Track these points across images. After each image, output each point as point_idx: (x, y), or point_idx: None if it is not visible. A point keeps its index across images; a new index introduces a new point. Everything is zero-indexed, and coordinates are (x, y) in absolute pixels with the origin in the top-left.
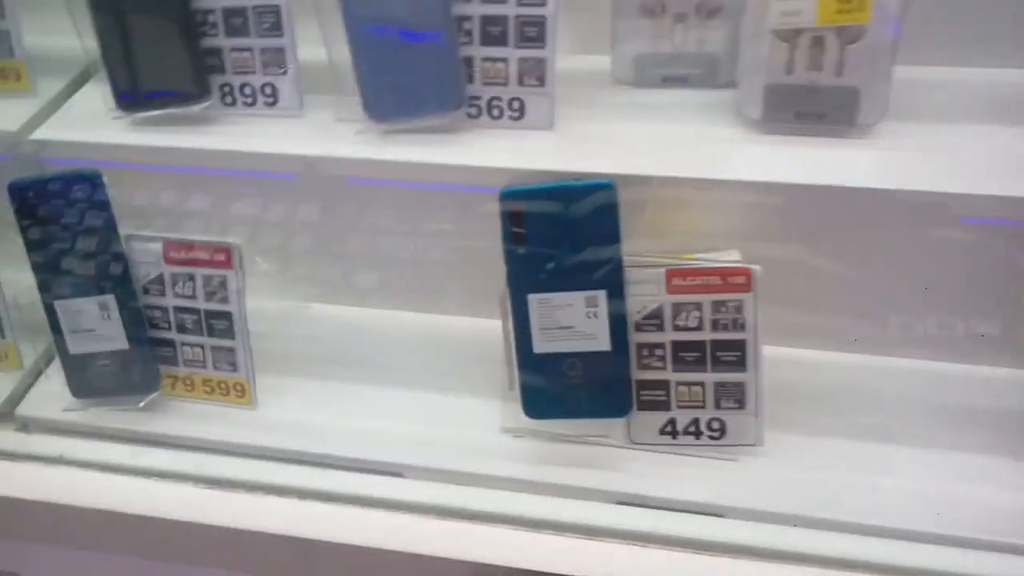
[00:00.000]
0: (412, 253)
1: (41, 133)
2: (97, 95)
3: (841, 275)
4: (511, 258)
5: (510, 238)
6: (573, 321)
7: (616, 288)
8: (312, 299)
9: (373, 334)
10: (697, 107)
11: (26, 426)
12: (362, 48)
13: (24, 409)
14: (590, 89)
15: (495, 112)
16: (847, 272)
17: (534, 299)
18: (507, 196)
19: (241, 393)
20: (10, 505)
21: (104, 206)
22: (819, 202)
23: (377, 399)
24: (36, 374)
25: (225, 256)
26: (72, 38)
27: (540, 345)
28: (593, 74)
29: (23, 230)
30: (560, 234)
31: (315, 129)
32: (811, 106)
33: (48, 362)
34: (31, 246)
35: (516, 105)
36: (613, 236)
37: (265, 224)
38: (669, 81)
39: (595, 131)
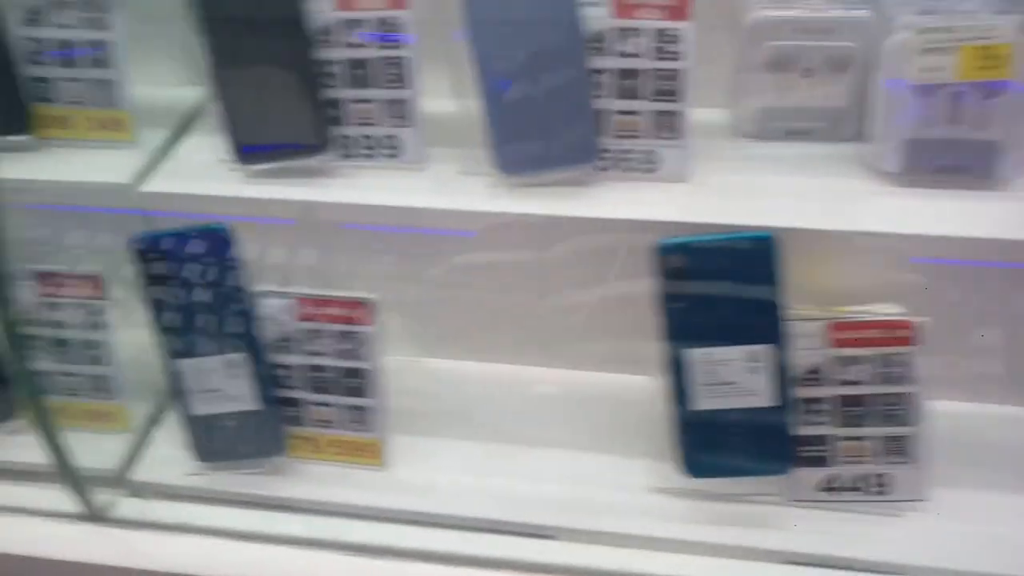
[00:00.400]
0: (545, 308)
1: (152, 186)
2: (203, 146)
3: (993, 325)
4: (669, 312)
5: (668, 292)
6: (735, 376)
7: (778, 342)
8: (434, 355)
9: (504, 390)
10: (825, 160)
11: (142, 491)
12: (494, 100)
13: (140, 474)
14: (714, 142)
15: (625, 165)
16: (1000, 323)
17: (694, 354)
18: (665, 249)
19: (373, 454)
20: None
21: (232, 261)
22: (960, 253)
23: (516, 458)
24: (143, 436)
25: (362, 312)
26: (165, 88)
27: (700, 402)
28: (712, 127)
29: (145, 286)
30: (720, 287)
31: (439, 182)
32: (950, 159)
33: (153, 424)
34: (154, 303)
35: (650, 158)
36: (774, 288)
37: (388, 278)
38: (792, 135)
39: (730, 183)
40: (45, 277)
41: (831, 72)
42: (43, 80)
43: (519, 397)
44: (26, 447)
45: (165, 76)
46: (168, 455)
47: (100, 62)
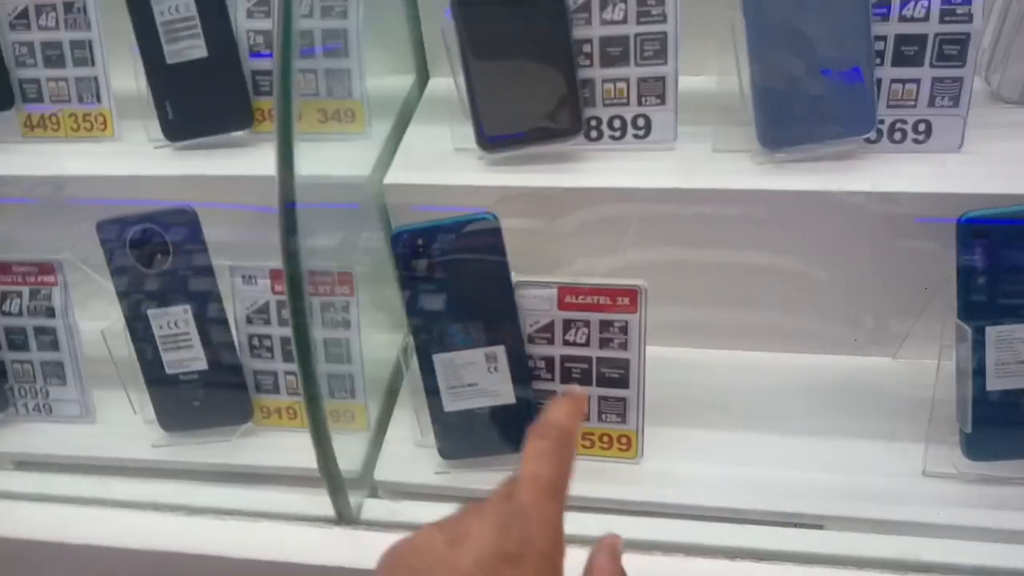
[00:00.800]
0: (796, 289)
1: (393, 176)
2: (430, 136)
3: None
4: (967, 289)
5: (967, 268)
6: None
7: None
8: (676, 343)
9: (749, 377)
10: None
11: (390, 492)
12: (768, 77)
13: (385, 474)
14: (974, 109)
15: (897, 136)
16: None
17: (992, 332)
18: (967, 224)
19: (627, 446)
20: None
21: (497, 250)
22: None
23: (769, 446)
24: (381, 436)
25: (630, 299)
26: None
27: (994, 382)
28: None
29: (406, 281)
30: None
31: (695, 162)
32: None
33: (385, 423)
34: (413, 297)
35: (922, 127)
36: None
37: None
38: None
39: (1009, 152)
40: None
41: None
42: (268, 73)
43: (768, 384)
44: (260, 449)
45: (375, 66)
46: (407, 453)
47: (336, 53)
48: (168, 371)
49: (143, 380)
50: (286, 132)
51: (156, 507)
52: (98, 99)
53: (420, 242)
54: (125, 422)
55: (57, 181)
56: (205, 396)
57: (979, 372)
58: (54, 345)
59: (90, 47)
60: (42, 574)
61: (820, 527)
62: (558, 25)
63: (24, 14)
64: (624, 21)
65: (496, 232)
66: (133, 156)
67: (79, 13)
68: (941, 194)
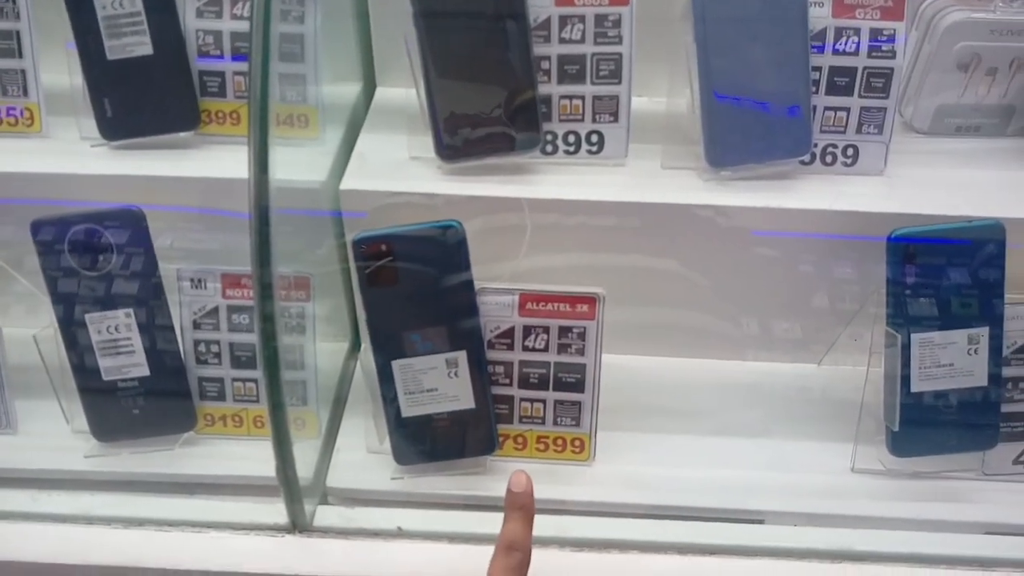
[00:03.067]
0: (734, 300)
1: (349, 183)
2: (384, 144)
3: None
4: (895, 299)
5: (897, 279)
6: (953, 359)
7: (997, 324)
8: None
9: (693, 383)
10: (1004, 154)
11: (341, 499)
12: (716, 108)
13: (338, 481)
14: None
15: (828, 159)
16: None
17: (917, 339)
18: (897, 239)
19: (579, 449)
20: None
21: (462, 258)
22: None
23: (712, 448)
24: (331, 443)
25: (588, 306)
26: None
27: (918, 384)
28: None
29: (365, 286)
30: (949, 273)
31: (643, 177)
32: None
33: (336, 429)
34: (372, 303)
35: (850, 152)
36: (998, 274)
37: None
38: (962, 130)
39: (925, 176)
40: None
41: (1012, 71)
42: (217, 74)
43: (710, 389)
44: (204, 458)
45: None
46: (359, 460)
47: (292, 57)
48: (105, 378)
49: (75, 388)
50: (262, 136)
51: (90, 520)
52: (25, 93)
53: (383, 248)
54: (51, 433)
55: None
56: (145, 404)
57: (905, 375)
58: None
59: (18, 37)
60: None
61: (761, 522)
62: (519, 41)
63: None
64: (582, 41)
65: (461, 240)
66: (64, 154)
67: (7, 2)
68: (870, 213)
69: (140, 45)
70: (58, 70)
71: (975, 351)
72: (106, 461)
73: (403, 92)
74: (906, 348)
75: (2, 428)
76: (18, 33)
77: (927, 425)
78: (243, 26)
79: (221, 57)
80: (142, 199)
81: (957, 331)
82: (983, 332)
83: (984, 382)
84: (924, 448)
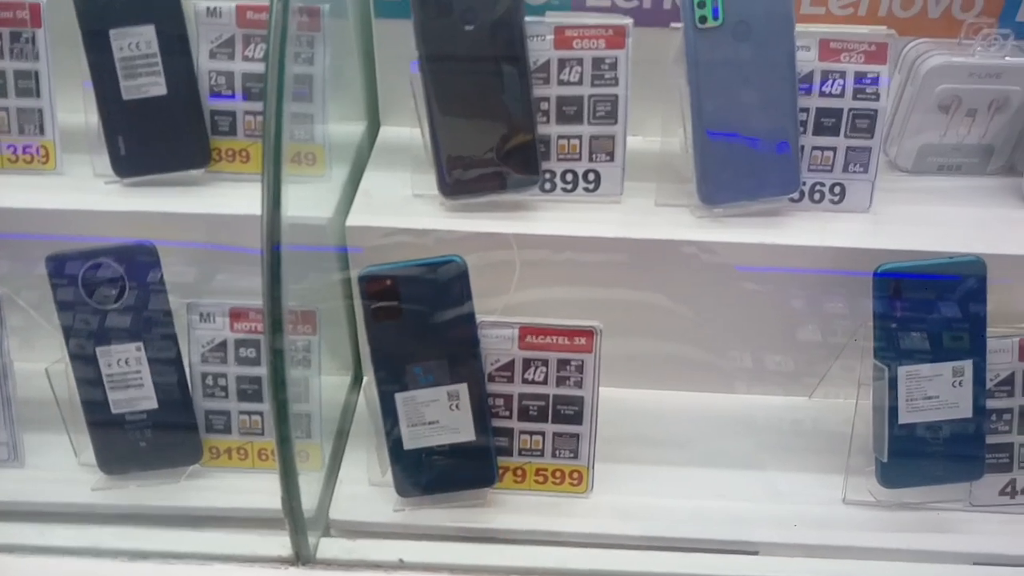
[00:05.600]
0: (727, 334)
1: (355, 219)
2: (387, 181)
3: None
4: (882, 332)
5: (884, 313)
6: (939, 391)
7: (980, 357)
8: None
9: (687, 416)
10: (984, 191)
11: (343, 531)
12: (708, 147)
13: (341, 513)
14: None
15: (816, 196)
16: None
17: (904, 371)
18: (883, 274)
19: (578, 481)
20: None
21: (464, 292)
22: None
23: (706, 480)
24: (334, 475)
25: (586, 339)
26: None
27: (906, 415)
28: None
29: (370, 321)
30: (933, 308)
31: (638, 214)
32: None
33: (338, 462)
34: (376, 336)
35: (837, 189)
36: (981, 308)
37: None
38: (943, 169)
39: (909, 213)
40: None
41: (991, 112)
42: (228, 114)
43: (704, 422)
44: (210, 490)
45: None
46: (361, 492)
47: (302, 97)
48: (114, 411)
49: (84, 421)
50: (276, 173)
51: (98, 552)
52: (41, 131)
53: (388, 283)
54: (58, 465)
55: None
56: (153, 436)
57: (893, 407)
58: None
59: (36, 78)
60: None
61: (755, 553)
62: (520, 83)
63: None
64: (580, 83)
65: (463, 275)
66: (78, 191)
67: (27, 44)
68: (857, 248)
69: (155, 85)
70: (74, 109)
71: (960, 383)
72: (113, 494)
73: (406, 131)
74: (893, 381)
75: (10, 461)
76: (36, 73)
77: (915, 456)
78: (254, 67)
79: (233, 96)
80: (153, 235)
81: (942, 364)
82: (967, 365)
83: (969, 414)
84: (913, 479)
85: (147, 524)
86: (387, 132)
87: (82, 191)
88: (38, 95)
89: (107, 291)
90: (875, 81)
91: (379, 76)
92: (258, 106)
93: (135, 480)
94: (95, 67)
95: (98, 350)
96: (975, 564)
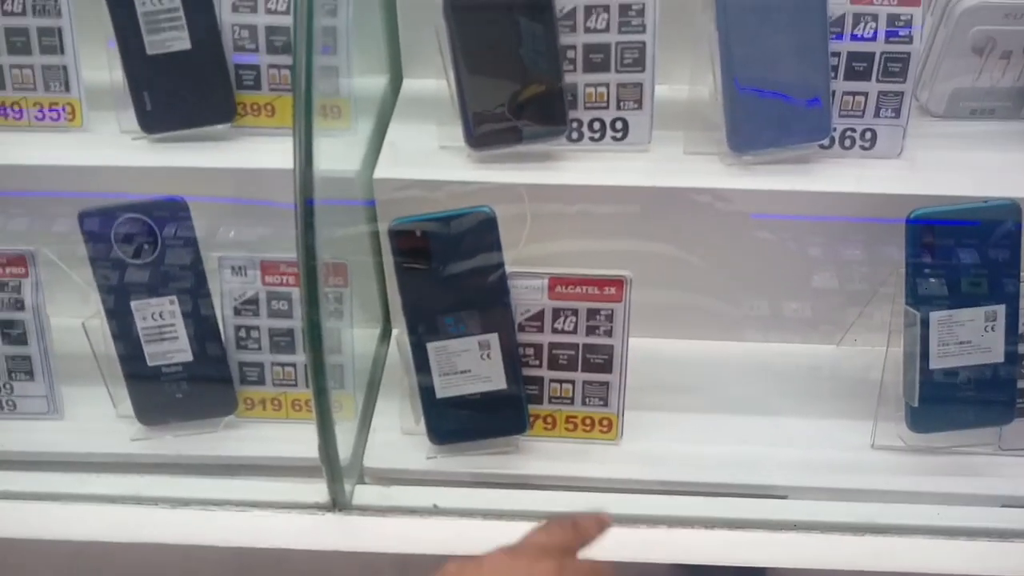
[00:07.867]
0: (755, 283)
1: (382, 172)
2: (411, 134)
3: None
4: (915, 278)
5: (916, 259)
6: (971, 336)
7: (1013, 302)
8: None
9: (717, 364)
10: (1019, 136)
11: (377, 478)
12: (737, 94)
13: (373, 461)
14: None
15: (847, 143)
16: None
17: (935, 317)
18: (916, 220)
19: (607, 428)
20: (407, 562)
21: (494, 243)
22: None
23: (735, 426)
24: (367, 424)
25: (616, 289)
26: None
27: (937, 361)
28: None
29: (402, 273)
30: (966, 252)
31: (666, 162)
32: None
33: (371, 411)
34: (408, 286)
35: (868, 135)
36: (1014, 253)
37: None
38: (976, 113)
39: (941, 159)
40: (291, 266)
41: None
42: (252, 68)
43: (734, 370)
44: (246, 440)
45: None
46: (394, 441)
47: (326, 50)
48: (150, 363)
49: (121, 374)
50: (307, 128)
51: (139, 500)
52: (67, 88)
53: (418, 234)
54: (96, 417)
55: (22, 171)
56: (188, 388)
57: (924, 353)
58: (21, 339)
59: (60, 35)
60: (24, 573)
61: (784, 497)
62: (546, 31)
63: None
64: (607, 30)
65: (493, 225)
66: (105, 148)
67: (49, 0)
68: (889, 195)
69: (178, 40)
70: (98, 66)
71: (991, 328)
72: (151, 444)
73: (431, 83)
74: (924, 326)
75: (50, 414)
76: (60, 30)
77: (945, 401)
78: (278, 20)
79: (256, 51)
80: (181, 190)
81: (974, 309)
82: (999, 309)
83: (1001, 359)
84: (942, 424)
85: (185, 473)
86: (410, 85)
87: (109, 147)
88: (62, 52)
89: (140, 246)
90: (908, 24)
91: (401, 28)
92: (282, 59)
93: (172, 431)
94: (118, 22)
95: (133, 304)
96: (1004, 506)
